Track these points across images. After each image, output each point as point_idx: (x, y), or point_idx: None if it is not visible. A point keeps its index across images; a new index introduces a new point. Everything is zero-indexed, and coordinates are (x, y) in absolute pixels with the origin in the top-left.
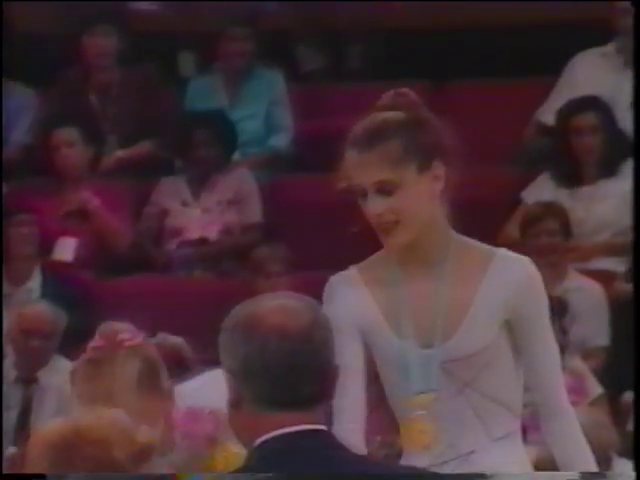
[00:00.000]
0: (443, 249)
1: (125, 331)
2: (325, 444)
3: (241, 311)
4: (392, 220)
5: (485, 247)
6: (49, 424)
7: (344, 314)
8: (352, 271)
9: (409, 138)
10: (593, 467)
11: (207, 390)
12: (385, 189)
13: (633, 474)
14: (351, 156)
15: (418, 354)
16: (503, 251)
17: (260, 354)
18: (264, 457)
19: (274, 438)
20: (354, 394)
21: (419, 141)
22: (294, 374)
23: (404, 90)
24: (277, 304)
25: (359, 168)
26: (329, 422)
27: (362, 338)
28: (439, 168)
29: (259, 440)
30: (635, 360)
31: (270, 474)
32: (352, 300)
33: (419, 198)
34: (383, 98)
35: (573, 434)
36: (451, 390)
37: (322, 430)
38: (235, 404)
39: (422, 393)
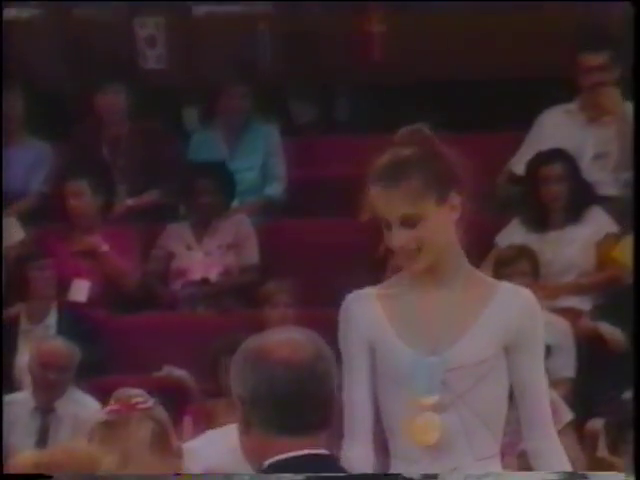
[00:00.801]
0: (455, 272)
1: (138, 396)
2: (327, 467)
3: (250, 344)
4: (414, 248)
5: (491, 278)
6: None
7: (355, 327)
8: (367, 289)
9: (428, 173)
10: None
11: (213, 448)
12: (408, 222)
13: (633, 474)
14: (376, 191)
15: (422, 361)
16: (509, 283)
17: (268, 383)
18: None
19: (280, 461)
20: (362, 417)
21: (437, 175)
22: (299, 402)
23: (418, 126)
24: (284, 338)
25: (384, 203)
26: (339, 445)
27: (371, 354)
28: (455, 199)
29: (267, 462)
30: (635, 359)
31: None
32: (363, 313)
33: (438, 227)
34: (400, 134)
35: (558, 452)
36: (445, 402)
37: (325, 454)
38: (245, 429)
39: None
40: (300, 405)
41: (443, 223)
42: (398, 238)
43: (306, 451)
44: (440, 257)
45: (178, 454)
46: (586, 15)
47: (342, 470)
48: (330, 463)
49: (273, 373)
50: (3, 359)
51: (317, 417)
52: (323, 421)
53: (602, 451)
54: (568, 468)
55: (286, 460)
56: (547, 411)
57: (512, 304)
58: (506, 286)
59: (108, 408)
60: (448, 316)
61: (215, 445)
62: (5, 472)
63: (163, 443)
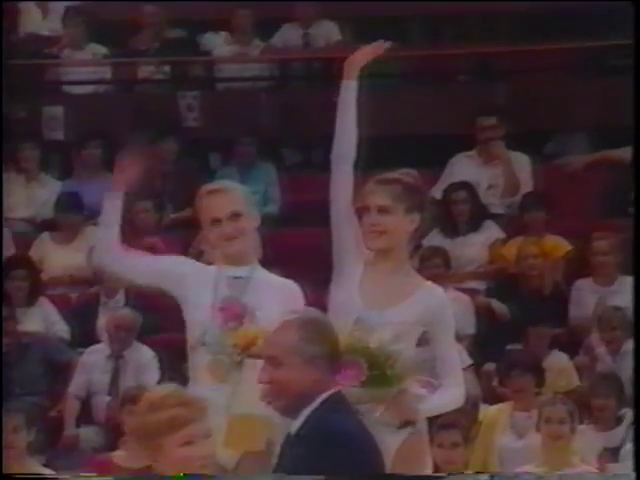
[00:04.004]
0: (400, 264)
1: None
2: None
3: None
4: (380, 230)
5: (419, 276)
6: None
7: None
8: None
9: (407, 197)
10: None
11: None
12: (382, 210)
13: (633, 474)
14: (369, 186)
15: (372, 315)
16: (429, 282)
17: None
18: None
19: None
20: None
21: (411, 201)
22: None
23: (407, 170)
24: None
25: (370, 193)
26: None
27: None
28: (415, 217)
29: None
30: (635, 359)
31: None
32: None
33: (400, 225)
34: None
35: (460, 385)
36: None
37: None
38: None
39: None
40: None
41: (403, 225)
42: (373, 220)
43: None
44: (394, 247)
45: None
46: (484, 91)
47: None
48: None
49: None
50: (3, 358)
51: None
52: None
53: (494, 384)
54: (462, 396)
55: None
56: (456, 360)
57: (430, 296)
58: (427, 284)
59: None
60: (390, 290)
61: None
62: (5, 472)
63: None
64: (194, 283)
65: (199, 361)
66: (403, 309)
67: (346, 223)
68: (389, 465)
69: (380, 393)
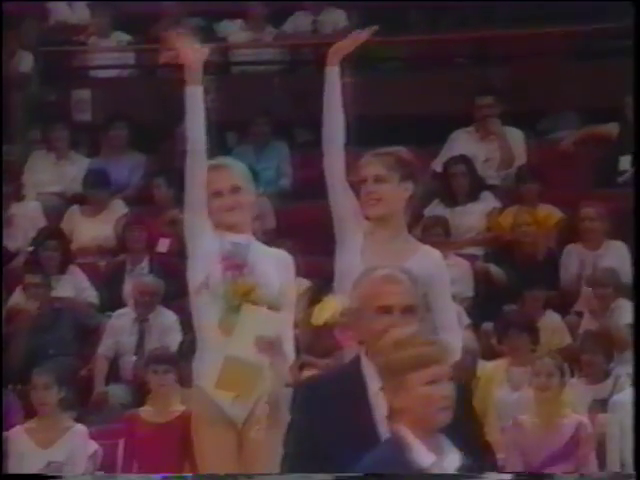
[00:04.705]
0: (398, 229)
1: None
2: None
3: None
4: (377, 198)
5: (416, 240)
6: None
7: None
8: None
9: (400, 167)
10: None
11: None
12: (379, 180)
13: (633, 474)
14: (366, 159)
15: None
16: (428, 247)
17: None
18: None
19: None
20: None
21: (404, 171)
22: None
23: (398, 148)
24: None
25: (366, 165)
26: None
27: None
28: (409, 185)
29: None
30: (635, 358)
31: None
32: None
33: (395, 194)
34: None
35: (458, 340)
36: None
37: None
38: None
39: None
40: None
41: (398, 193)
42: (369, 189)
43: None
44: (391, 214)
45: None
46: (481, 73)
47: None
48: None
49: None
50: (2, 350)
51: None
52: None
53: (492, 342)
54: (459, 351)
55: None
56: (453, 319)
57: (428, 259)
58: (425, 247)
59: None
60: (390, 255)
61: None
62: (5, 472)
63: None
64: (204, 237)
65: (202, 305)
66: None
67: (342, 196)
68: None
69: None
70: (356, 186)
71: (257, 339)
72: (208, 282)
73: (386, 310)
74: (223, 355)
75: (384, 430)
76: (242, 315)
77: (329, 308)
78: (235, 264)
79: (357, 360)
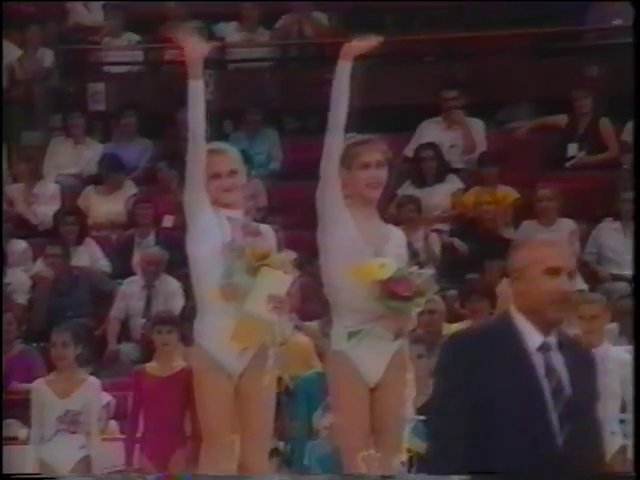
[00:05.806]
0: (377, 211)
1: None
2: None
3: None
4: (380, 182)
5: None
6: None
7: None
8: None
9: (388, 153)
10: None
11: None
12: (380, 164)
13: (633, 474)
14: (361, 148)
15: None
16: (396, 227)
17: None
18: None
19: None
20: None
21: (388, 156)
22: None
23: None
24: None
25: (366, 150)
26: None
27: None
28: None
29: None
30: (635, 358)
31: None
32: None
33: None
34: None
35: None
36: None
37: None
38: None
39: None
40: None
41: (386, 177)
42: (372, 174)
43: None
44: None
45: None
46: (447, 69)
47: None
48: None
49: None
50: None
51: None
52: None
53: (456, 306)
54: None
55: None
56: None
57: (401, 235)
58: (393, 227)
59: None
60: (378, 231)
61: None
62: (5, 472)
63: None
64: (202, 213)
65: (202, 272)
66: (393, 245)
67: (333, 179)
68: (383, 370)
69: (420, 302)
70: (353, 170)
71: (270, 297)
72: (232, 245)
73: (554, 272)
74: (223, 317)
75: (546, 386)
76: (260, 276)
77: (389, 266)
78: (253, 231)
79: (507, 316)
